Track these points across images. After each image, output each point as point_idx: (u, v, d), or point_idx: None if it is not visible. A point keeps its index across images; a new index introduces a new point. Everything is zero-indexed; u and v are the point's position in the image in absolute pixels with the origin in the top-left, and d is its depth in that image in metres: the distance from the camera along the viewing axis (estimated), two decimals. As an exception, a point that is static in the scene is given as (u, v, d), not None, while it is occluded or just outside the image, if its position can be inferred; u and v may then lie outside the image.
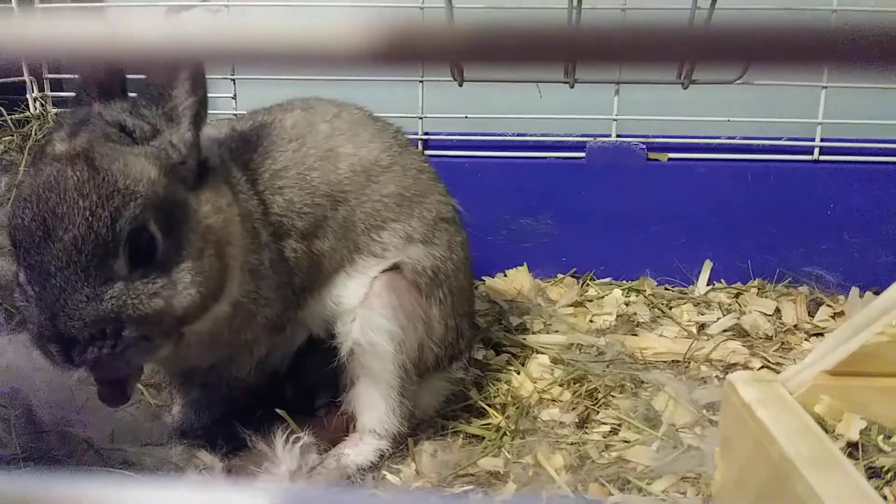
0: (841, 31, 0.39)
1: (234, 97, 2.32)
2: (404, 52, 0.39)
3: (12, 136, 2.27)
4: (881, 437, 1.21)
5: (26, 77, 2.40)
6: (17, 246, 1.16)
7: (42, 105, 2.40)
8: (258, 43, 0.39)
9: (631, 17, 0.40)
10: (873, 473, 1.16)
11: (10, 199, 1.91)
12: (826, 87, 2.17)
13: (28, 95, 2.41)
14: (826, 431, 1.18)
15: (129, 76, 1.32)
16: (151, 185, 1.18)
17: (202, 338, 1.30)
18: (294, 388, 1.58)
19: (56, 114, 2.34)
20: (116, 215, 1.13)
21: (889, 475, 1.15)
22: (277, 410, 1.46)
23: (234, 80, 2.31)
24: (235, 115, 2.23)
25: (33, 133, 2.27)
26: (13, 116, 2.34)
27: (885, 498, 1.11)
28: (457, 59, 0.40)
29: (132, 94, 1.29)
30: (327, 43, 0.38)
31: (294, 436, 1.42)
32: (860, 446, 1.19)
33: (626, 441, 1.56)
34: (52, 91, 2.43)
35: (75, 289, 1.11)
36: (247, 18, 0.39)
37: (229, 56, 0.40)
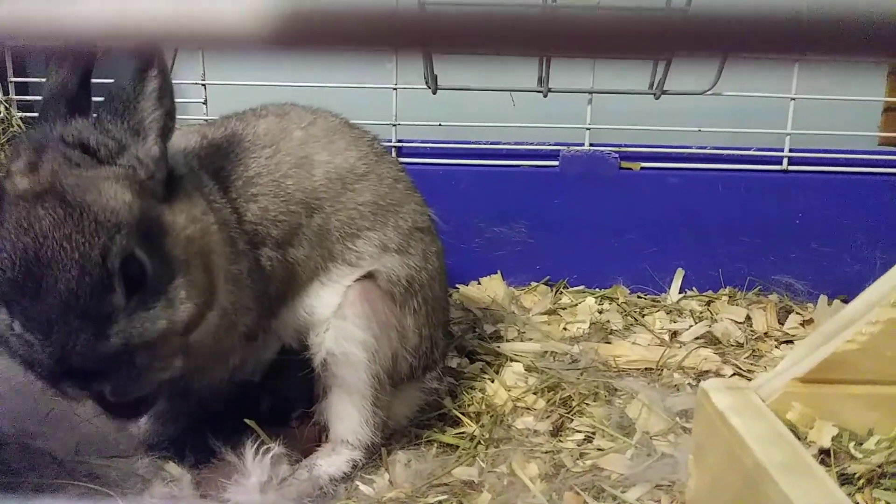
0: (816, 20, 0.39)
1: (205, 102, 2.29)
2: (304, 35, 0.37)
3: (-25, 140, 2.21)
4: (852, 443, 1.22)
5: (-10, 80, 2.34)
6: (5, 299, 1.10)
7: (7, 108, 2.35)
8: (155, 23, 0.37)
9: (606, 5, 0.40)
10: (845, 480, 1.17)
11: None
12: (794, 99, 2.21)
13: (-9, 99, 2.35)
14: (798, 438, 1.19)
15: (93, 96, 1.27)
16: (129, 209, 1.14)
17: (191, 348, 1.27)
18: (270, 400, 1.56)
19: (21, 121, 2.28)
20: (105, 252, 1.09)
21: (861, 482, 1.16)
22: (247, 421, 1.44)
23: (204, 85, 2.28)
24: (206, 120, 2.20)
25: (-3, 137, 2.21)
26: (-24, 120, 2.28)
27: (856, 504, 1.12)
28: (360, 43, 0.39)
29: (97, 107, 1.24)
30: (228, 26, 0.36)
31: (265, 447, 1.39)
32: (832, 453, 1.20)
33: (600, 449, 1.56)
34: (17, 94, 2.38)
35: (80, 331, 1.07)
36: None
37: (127, 36, 0.38)
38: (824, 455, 1.20)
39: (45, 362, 1.09)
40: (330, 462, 1.49)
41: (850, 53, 0.40)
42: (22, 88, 2.41)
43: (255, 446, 1.39)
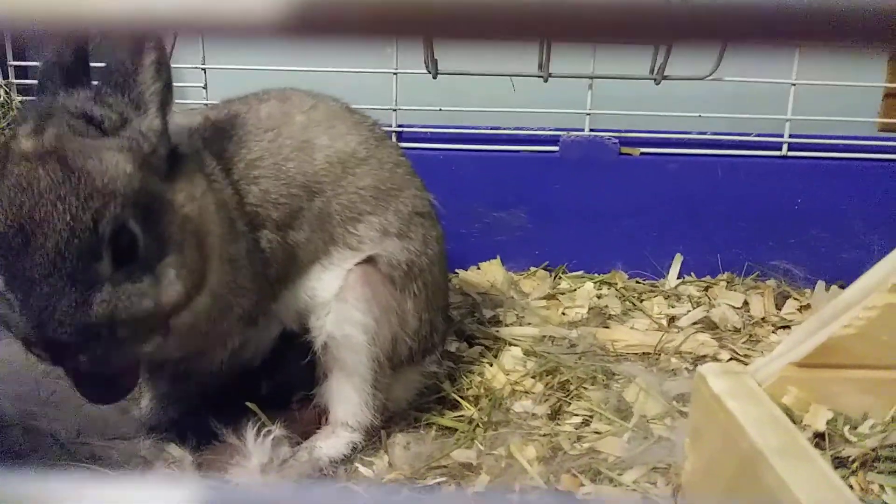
0: (817, 9, 0.39)
1: (205, 87, 2.29)
2: (318, 23, 0.37)
3: (-25, 123, 2.21)
4: (847, 427, 1.23)
5: (-11, 63, 2.34)
6: None
7: (6, 93, 2.34)
8: (163, 11, 0.37)
9: None
10: (840, 463, 1.18)
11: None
12: (795, 84, 2.20)
13: (-9, 83, 2.35)
14: (794, 422, 1.20)
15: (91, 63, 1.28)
16: (128, 180, 1.14)
17: (182, 330, 1.28)
18: (270, 384, 1.57)
19: (20, 103, 2.28)
20: (98, 217, 1.09)
21: (855, 465, 1.18)
22: (248, 404, 1.45)
23: (204, 69, 2.27)
24: (206, 104, 2.19)
25: (-3, 121, 2.21)
26: (-24, 104, 2.28)
27: (851, 487, 1.13)
28: (374, 32, 0.39)
29: (95, 82, 1.25)
30: (239, 12, 0.36)
31: (265, 429, 1.41)
32: (827, 437, 1.21)
33: (597, 432, 1.58)
34: (16, 79, 2.37)
35: (62, 295, 1.07)
36: None
37: (133, 24, 0.38)
38: (819, 439, 1.22)
39: (22, 325, 1.09)
40: (330, 444, 1.50)
41: (853, 42, 0.40)
42: (21, 72, 2.40)
43: (256, 429, 1.40)
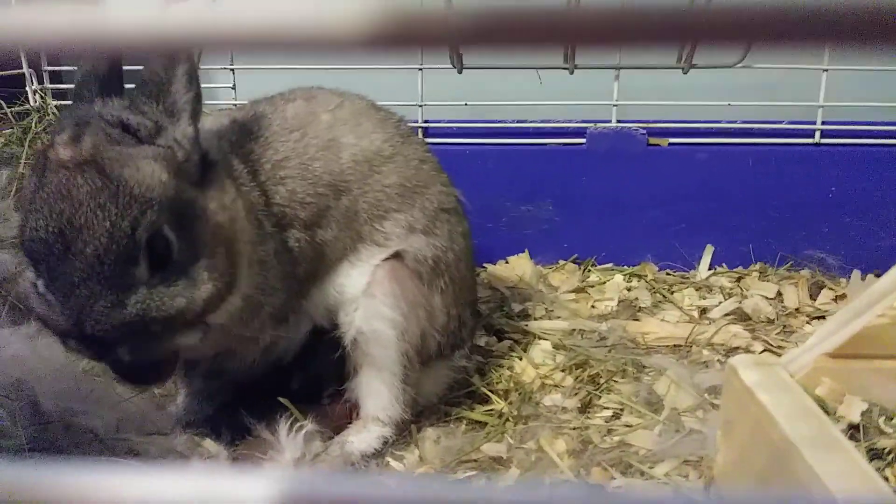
0: (843, 8, 0.39)
1: (234, 87, 2.32)
2: (403, 36, 0.39)
3: (12, 128, 2.27)
4: (882, 418, 1.21)
5: (25, 69, 2.40)
6: (34, 258, 1.15)
7: (42, 97, 2.40)
8: (255, 30, 0.39)
9: None
10: (874, 455, 1.16)
11: (10, 192, 1.91)
12: (827, 70, 2.16)
13: (27, 88, 2.41)
14: (827, 414, 1.19)
15: (125, 70, 1.32)
16: (163, 188, 1.17)
17: (215, 329, 1.31)
18: (301, 379, 1.59)
19: (56, 109, 2.33)
20: (135, 224, 1.13)
21: (890, 457, 1.16)
22: (280, 399, 1.47)
23: (232, 70, 2.30)
24: (235, 105, 2.23)
25: (33, 125, 2.27)
26: (13, 109, 2.34)
27: (886, 479, 1.11)
28: (457, 43, 0.40)
29: (129, 90, 1.28)
30: (326, 28, 0.38)
31: (298, 424, 1.43)
32: (861, 428, 1.19)
33: (628, 425, 1.57)
34: (51, 83, 2.43)
35: (99, 297, 1.11)
36: (242, 5, 0.39)
37: (227, 44, 0.40)
38: (853, 430, 1.20)
39: (62, 324, 1.13)
40: (361, 438, 1.52)
41: (879, 41, 0.40)
42: (56, 77, 2.46)
43: (289, 423, 1.42)
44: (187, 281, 1.19)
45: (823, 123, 2.19)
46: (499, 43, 0.41)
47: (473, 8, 0.39)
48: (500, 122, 2.28)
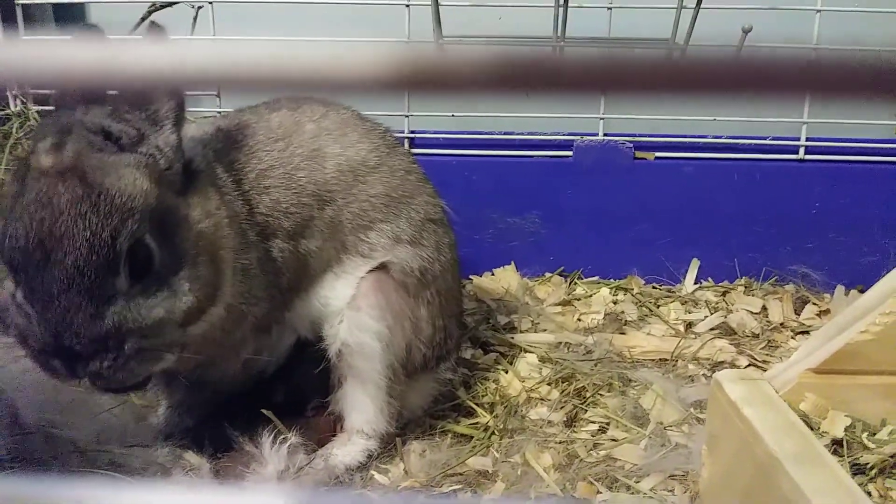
0: (822, 63, 0.40)
1: (218, 94, 2.31)
2: (422, 81, 0.41)
3: (-8, 134, 2.24)
4: (865, 434, 1.22)
5: (9, 75, 2.37)
6: (14, 267, 1.13)
7: (23, 102, 2.37)
8: (275, 72, 0.40)
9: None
10: (858, 470, 1.17)
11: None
12: (811, 87, 2.18)
13: (8, 93, 2.38)
14: (811, 429, 1.19)
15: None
16: (145, 196, 1.16)
17: (196, 340, 1.29)
18: (284, 391, 1.57)
19: (37, 115, 2.31)
20: (116, 234, 1.12)
21: (873, 472, 1.16)
22: (264, 411, 1.46)
23: (220, 78, 2.29)
24: (219, 113, 2.21)
25: (14, 131, 2.24)
26: (-6, 114, 2.31)
27: (869, 494, 1.12)
28: (476, 89, 0.42)
29: (111, 97, 1.26)
30: (347, 73, 0.40)
31: (281, 436, 1.41)
32: (845, 443, 1.20)
33: (614, 439, 1.57)
34: (32, 88, 2.40)
35: (78, 308, 1.10)
36: (255, 47, 0.41)
37: (243, 84, 0.41)
38: (837, 445, 1.21)
39: (40, 336, 1.11)
40: (345, 451, 1.50)
41: (857, 94, 0.41)
42: (38, 83, 2.44)
43: (273, 436, 1.41)
44: (168, 291, 1.18)
45: (807, 140, 2.21)
46: (517, 87, 0.43)
47: (493, 53, 0.41)
48: (486, 133, 2.28)
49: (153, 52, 0.40)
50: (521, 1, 2.28)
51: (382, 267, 1.51)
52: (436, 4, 1.96)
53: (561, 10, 1.96)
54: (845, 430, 1.21)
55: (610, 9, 2.26)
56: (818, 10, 2.14)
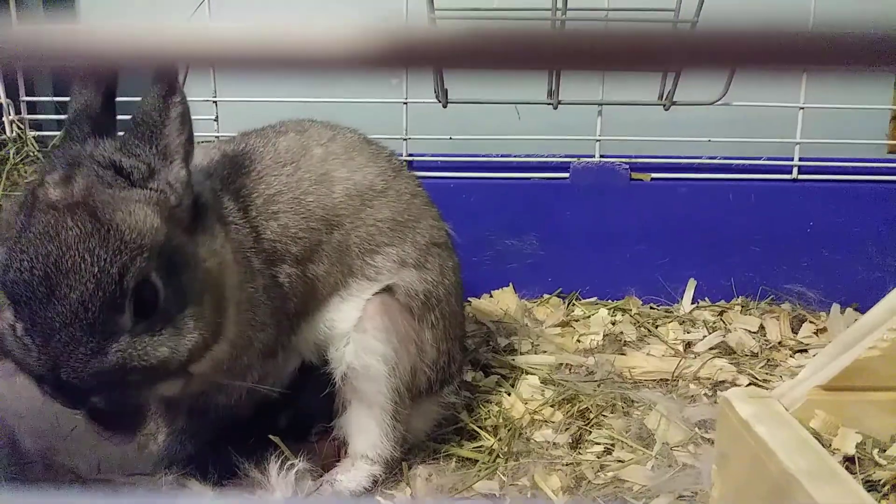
0: (822, 34, 0.39)
1: (216, 119, 2.31)
2: (400, 56, 0.39)
3: (-12, 160, 2.22)
4: (876, 450, 1.22)
5: (3, 100, 2.36)
6: (15, 300, 1.11)
7: (19, 128, 2.36)
8: (250, 48, 0.38)
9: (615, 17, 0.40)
10: (870, 487, 1.17)
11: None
12: (803, 108, 2.22)
13: (4, 118, 2.37)
14: (822, 446, 1.19)
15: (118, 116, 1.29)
16: (155, 234, 1.14)
17: (200, 375, 1.27)
18: (289, 416, 1.56)
19: (34, 140, 2.30)
20: (124, 271, 1.10)
21: (886, 488, 1.16)
22: (271, 437, 1.44)
23: (215, 101, 2.29)
24: (217, 137, 2.21)
25: (10, 157, 2.23)
26: (-11, 140, 2.30)
27: (884, 511, 1.12)
28: (451, 64, 0.40)
29: (121, 133, 1.25)
30: (324, 47, 0.38)
31: (288, 462, 1.39)
32: (857, 460, 1.20)
33: (620, 461, 1.56)
34: (28, 114, 2.39)
35: (80, 344, 1.08)
36: (236, 22, 0.39)
37: (215, 61, 0.39)
38: (849, 462, 1.21)
39: (37, 370, 1.09)
40: (350, 477, 1.49)
41: (857, 65, 0.41)
42: (31, 107, 2.42)
43: (279, 462, 1.39)
44: (173, 330, 1.16)
45: (801, 160, 2.24)
46: (491, 65, 0.40)
47: (471, 28, 0.39)
48: (484, 156, 2.29)
49: (142, 33, 0.39)
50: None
51: (388, 290, 1.51)
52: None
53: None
54: (856, 446, 1.21)
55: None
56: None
